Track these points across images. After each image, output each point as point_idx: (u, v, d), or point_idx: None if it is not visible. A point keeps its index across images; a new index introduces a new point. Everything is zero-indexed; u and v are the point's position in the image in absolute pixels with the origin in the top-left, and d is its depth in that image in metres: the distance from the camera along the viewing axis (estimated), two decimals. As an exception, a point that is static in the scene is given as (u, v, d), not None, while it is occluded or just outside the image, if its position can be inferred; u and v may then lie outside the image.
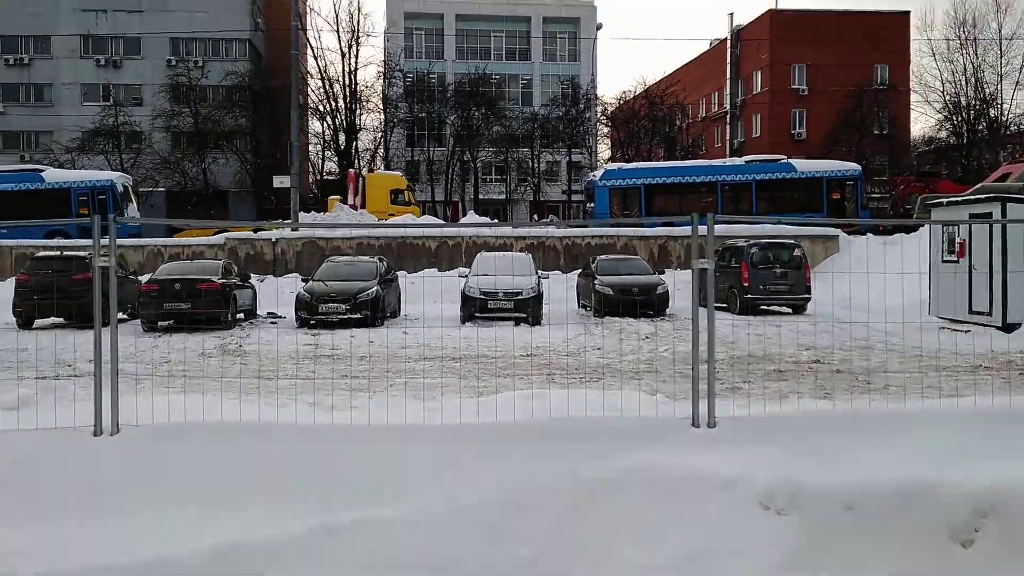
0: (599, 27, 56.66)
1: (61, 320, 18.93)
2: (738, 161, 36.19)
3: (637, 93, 57.03)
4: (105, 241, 5.90)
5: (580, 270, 23.48)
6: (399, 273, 21.93)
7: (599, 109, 55.45)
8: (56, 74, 53.54)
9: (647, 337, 16.54)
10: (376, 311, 18.11)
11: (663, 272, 22.11)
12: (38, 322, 18.90)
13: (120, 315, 19.94)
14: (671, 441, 6.04)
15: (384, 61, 52.93)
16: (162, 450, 5.32)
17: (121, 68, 53.93)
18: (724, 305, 20.41)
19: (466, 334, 16.14)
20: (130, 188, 34.62)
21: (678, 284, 21.98)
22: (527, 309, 18.09)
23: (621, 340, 16.13)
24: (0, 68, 53.29)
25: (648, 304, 19.54)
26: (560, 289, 22.50)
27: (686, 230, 27.53)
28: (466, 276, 19.03)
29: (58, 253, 19.58)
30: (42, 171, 33.52)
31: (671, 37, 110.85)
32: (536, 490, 5.05)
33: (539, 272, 19.84)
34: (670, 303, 20.23)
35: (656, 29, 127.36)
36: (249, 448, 5.55)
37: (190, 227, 32.17)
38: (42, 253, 19.97)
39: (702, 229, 6.28)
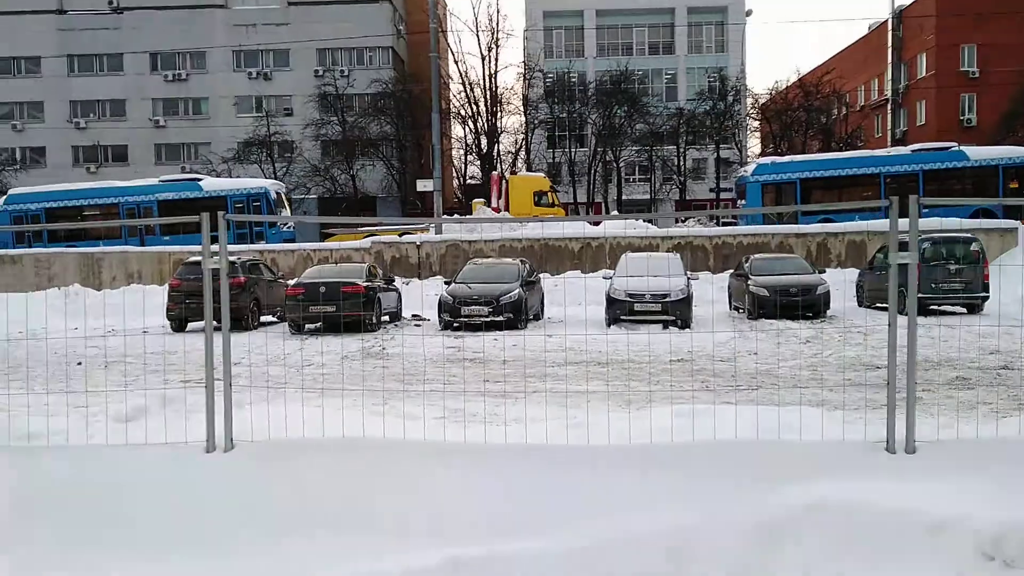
0: (748, 13, 54.14)
1: (213, 324, 19.36)
2: (903, 150, 33.67)
3: (790, 83, 54.38)
4: (215, 247, 5.44)
5: (732, 270, 22.21)
6: (542, 275, 21.35)
7: (749, 102, 53.17)
8: (211, 88, 56.21)
9: (808, 341, 15.31)
10: (519, 314, 17.59)
11: (823, 272, 20.58)
12: (191, 325, 19.39)
13: (270, 318, 20.32)
14: (863, 470, 5.06)
15: (524, 62, 52.70)
16: (278, 470, 4.82)
17: (272, 80, 56.08)
18: (885, 305, 18.72)
19: (612, 338, 15.38)
20: (283, 195, 35.66)
21: (838, 284, 20.46)
22: (676, 312, 17.09)
23: (779, 344, 14.96)
24: (160, 84, 56.49)
25: (808, 305, 18.19)
26: (710, 291, 21.35)
27: (845, 225, 26.01)
28: (611, 278, 18.21)
29: (209, 258, 20.02)
30: (200, 180, 34.98)
31: (827, 19, 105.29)
32: (702, 531, 4.22)
33: (688, 273, 18.77)
34: (831, 304, 18.79)
35: (809, 13, 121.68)
36: (375, 468, 4.98)
37: (342, 231, 32.81)
38: (192, 258, 20.50)
39: (903, 223, 5.24)
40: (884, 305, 17.30)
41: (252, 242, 30.58)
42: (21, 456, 5.01)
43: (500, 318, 17.34)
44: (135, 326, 18.13)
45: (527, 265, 19.96)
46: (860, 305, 21.06)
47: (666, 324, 17.08)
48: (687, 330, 16.68)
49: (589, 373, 11.83)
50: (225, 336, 5.55)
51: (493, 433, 5.94)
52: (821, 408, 6.77)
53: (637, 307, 17.05)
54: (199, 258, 19.16)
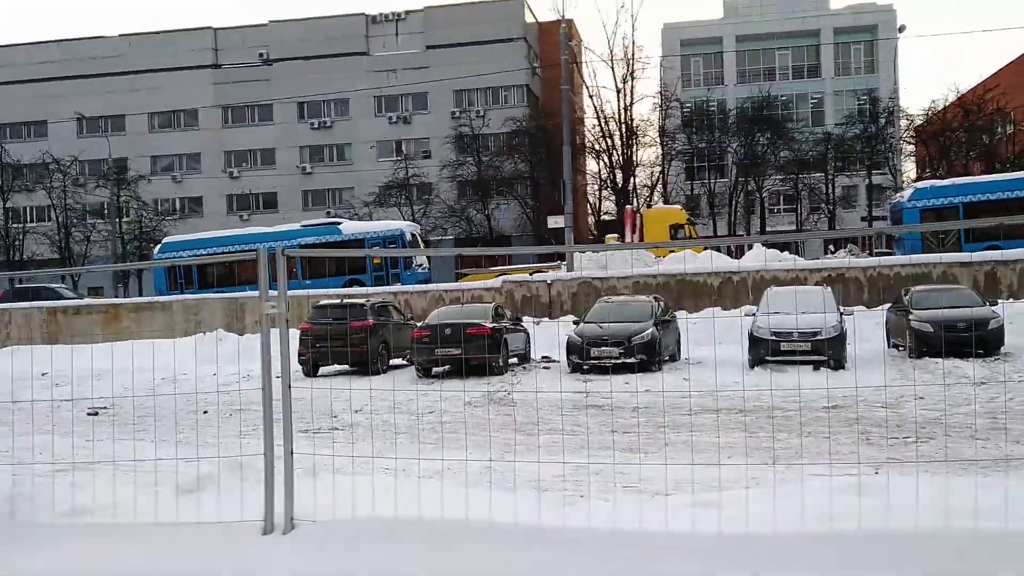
0: (901, 29, 50.76)
1: (346, 367, 19.14)
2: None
3: (948, 102, 50.80)
4: (273, 293, 4.74)
5: (889, 304, 20.28)
6: (678, 313, 20.10)
7: (903, 123, 49.97)
8: (354, 133, 57.88)
9: (982, 383, 13.53)
10: (653, 355, 16.45)
11: (995, 303, 18.42)
12: (323, 370, 19.24)
13: (399, 360, 19.95)
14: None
15: (660, 92, 51.55)
16: (341, 561, 4.03)
17: (411, 123, 57.23)
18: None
19: (755, 380, 14.07)
20: (419, 236, 35.86)
21: (1011, 317, 18.22)
22: (828, 351, 15.54)
23: (946, 387, 13.24)
24: (306, 131, 58.66)
25: (979, 341, 16.21)
26: (865, 327, 19.49)
27: (1018, 252, 23.41)
28: (754, 314, 16.82)
29: (338, 301, 19.93)
30: (339, 224, 35.62)
31: (989, 29, 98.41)
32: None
33: (841, 308, 17.12)
34: (1004, 340, 16.71)
35: (968, 25, 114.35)
36: (468, 564, 4.11)
37: (474, 272, 32.58)
38: (323, 301, 20.45)
39: None
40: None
41: (388, 284, 30.71)
42: (49, 536, 4.46)
43: (632, 360, 16.26)
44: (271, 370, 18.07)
45: (661, 303, 18.81)
46: None
47: (817, 365, 15.55)
48: (841, 371, 15.11)
49: (730, 422, 10.64)
50: (285, 396, 4.83)
51: (625, 506, 4.96)
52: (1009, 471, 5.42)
53: (784, 346, 15.61)
54: (331, 301, 18.89)
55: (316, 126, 58.39)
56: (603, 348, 16.54)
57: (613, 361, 16.23)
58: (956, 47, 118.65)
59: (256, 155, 59.63)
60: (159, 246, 37.50)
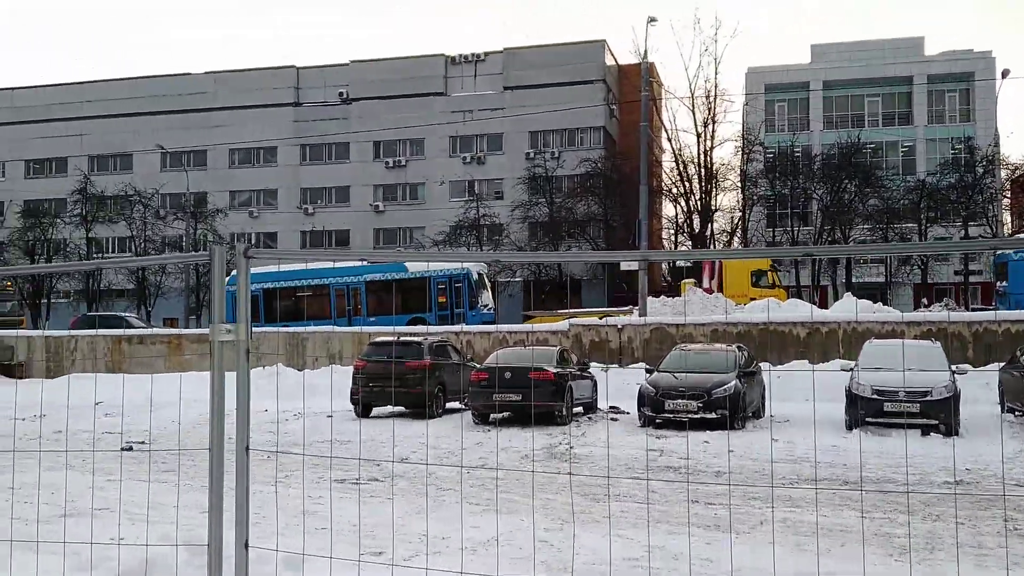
0: (1005, 74, 47.58)
1: (402, 408, 17.88)
2: None
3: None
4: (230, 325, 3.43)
5: (1003, 363, 18.16)
6: (762, 365, 18.33)
7: (1004, 173, 47.08)
8: (428, 173, 57.56)
9: None
10: (736, 410, 14.75)
11: None
12: (376, 410, 18.03)
13: (456, 404, 18.58)
14: None
15: (742, 135, 49.81)
16: None
17: (485, 164, 56.67)
18: None
19: (854, 444, 12.28)
20: (485, 276, 34.75)
21: None
22: (939, 414, 13.63)
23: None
24: (381, 170, 58.54)
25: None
26: (971, 388, 17.42)
27: None
28: (852, 369, 15.00)
29: (394, 339, 18.73)
30: (405, 263, 34.82)
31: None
32: None
33: (954, 367, 15.17)
34: None
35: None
36: None
37: (540, 315, 31.26)
38: (379, 339, 19.30)
39: None
40: None
41: (452, 323, 29.61)
42: None
43: (712, 415, 14.60)
44: (324, 408, 16.94)
45: (745, 352, 17.10)
46: None
47: (926, 430, 13.65)
48: (954, 437, 13.20)
49: (836, 497, 8.97)
50: (240, 472, 3.42)
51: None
52: None
53: (888, 407, 13.74)
54: (387, 338, 17.60)
55: (391, 165, 58.28)
56: (679, 400, 14.91)
57: (691, 416, 14.61)
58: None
59: (331, 192, 59.76)
60: (228, 278, 37.23)
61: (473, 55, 58.10)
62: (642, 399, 15.49)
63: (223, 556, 3.13)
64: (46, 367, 28.69)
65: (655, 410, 15.15)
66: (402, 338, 18.81)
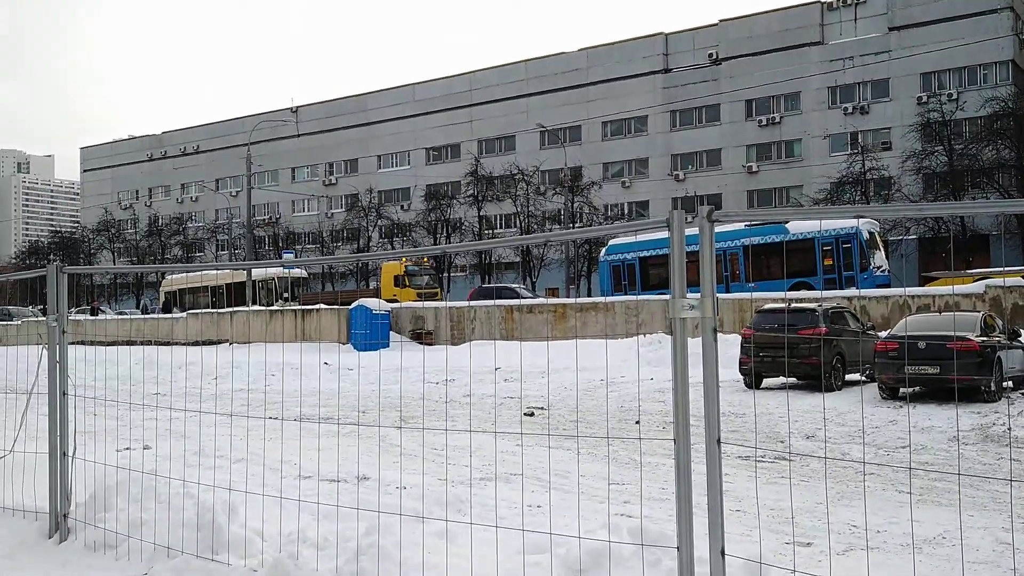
0: None
1: (794, 380, 16.93)
2: None
3: None
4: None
5: None
6: None
7: None
8: (805, 128, 54.41)
9: None
10: None
11: None
12: (766, 382, 17.25)
13: (856, 376, 17.10)
14: None
15: None
16: None
17: (868, 113, 52.28)
18: None
19: None
20: (877, 235, 31.89)
21: None
22: None
23: None
24: (753, 129, 56.45)
25: None
26: None
27: None
28: None
29: (784, 306, 17.68)
30: (786, 223, 33.08)
31: None
32: None
33: None
34: None
35: None
36: None
37: (944, 275, 28.00)
38: (768, 305, 18.36)
39: None
40: None
41: (841, 287, 27.59)
42: None
43: None
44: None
45: None
46: None
47: None
48: None
49: None
50: (711, 468, 3.04)
51: None
52: None
53: None
54: (777, 305, 16.70)
55: (764, 123, 56.04)
56: None
57: None
58: None
59: (702, 156, 58.99)
60: (605, 248, 38.24)
61: (853, -1, 53.71)
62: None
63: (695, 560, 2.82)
64: (450, 334, 31.59)
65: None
66: (794, 304, 17.75)
